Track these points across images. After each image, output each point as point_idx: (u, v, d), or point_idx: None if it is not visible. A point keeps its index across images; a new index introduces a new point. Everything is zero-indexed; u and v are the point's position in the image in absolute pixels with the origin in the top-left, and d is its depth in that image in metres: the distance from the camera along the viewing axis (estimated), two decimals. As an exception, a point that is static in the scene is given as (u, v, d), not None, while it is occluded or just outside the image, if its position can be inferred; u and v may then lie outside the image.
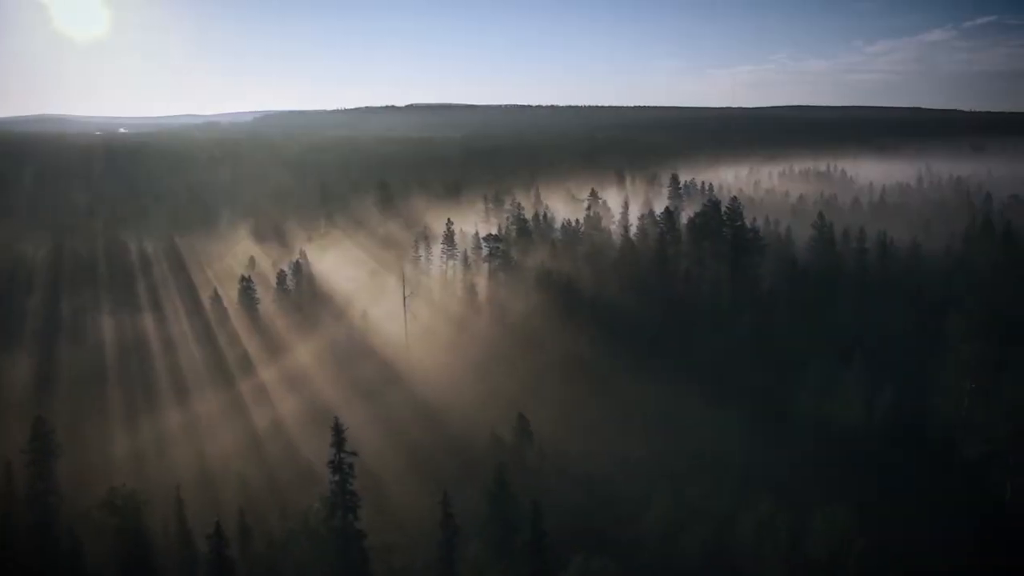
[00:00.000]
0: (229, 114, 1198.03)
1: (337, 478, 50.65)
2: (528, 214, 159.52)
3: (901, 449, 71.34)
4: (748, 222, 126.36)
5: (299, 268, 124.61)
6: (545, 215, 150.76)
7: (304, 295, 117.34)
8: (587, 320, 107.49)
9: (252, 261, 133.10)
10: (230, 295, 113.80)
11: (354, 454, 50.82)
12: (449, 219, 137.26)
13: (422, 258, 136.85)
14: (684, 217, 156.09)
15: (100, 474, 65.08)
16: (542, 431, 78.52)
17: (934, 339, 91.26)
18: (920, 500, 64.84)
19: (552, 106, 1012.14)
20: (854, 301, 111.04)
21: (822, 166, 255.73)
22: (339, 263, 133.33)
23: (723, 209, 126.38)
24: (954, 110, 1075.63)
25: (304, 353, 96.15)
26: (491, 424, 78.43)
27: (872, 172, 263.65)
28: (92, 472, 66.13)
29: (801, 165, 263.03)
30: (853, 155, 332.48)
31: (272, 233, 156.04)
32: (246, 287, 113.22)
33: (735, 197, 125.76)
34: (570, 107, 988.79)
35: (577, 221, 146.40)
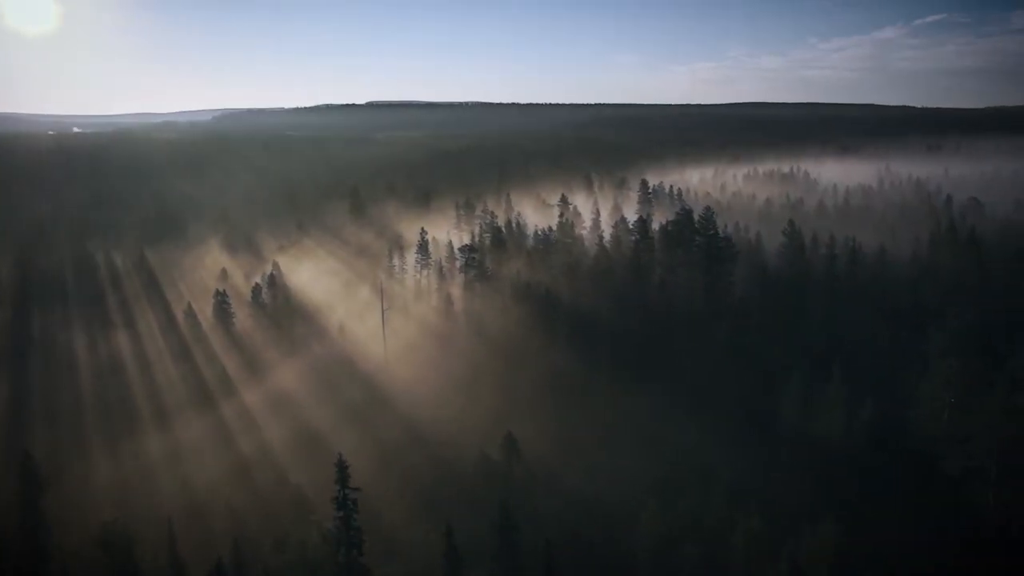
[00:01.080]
0: (186, 112, 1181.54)
1: (342, 514, 50.45)
2: (500, 220, 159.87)
3: (883, 462, 72.75)
4: (719, 228, 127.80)
5: (273, 281, 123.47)
6: (518, 223, 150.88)
7: (280, 309, 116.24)
8: (566, 331, 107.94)
9: (224, 273, 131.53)
10: (204, 310, 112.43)
11: (357, 490, 50.67)
12: (423, 229, 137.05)
13: (396, 267, 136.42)
14: (655, 223, 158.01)
15: (86, 507, 64.00)
16: (528, 446, 78.88)
17: (908, 348, 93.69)
18: (903, 513, 66.27)
19: (514, 103, 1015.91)
20: (826, 309, 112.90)
21: (786, 167, 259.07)
22: (313, 274, 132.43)
23: (696, 217, 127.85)
24: (907, 107, 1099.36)
25: (285, 372, 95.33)
26: (479, 442, 78.76)
27: (834, 172, 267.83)
28: (78, 505, 65.01)
29: (765, 167, 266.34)
30: (815, 155, 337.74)
31: (242, 242, 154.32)
32: (221, 302, 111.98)
33: (708, 207, 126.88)
34: (532, 104, 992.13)
35: (550, 228, 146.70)
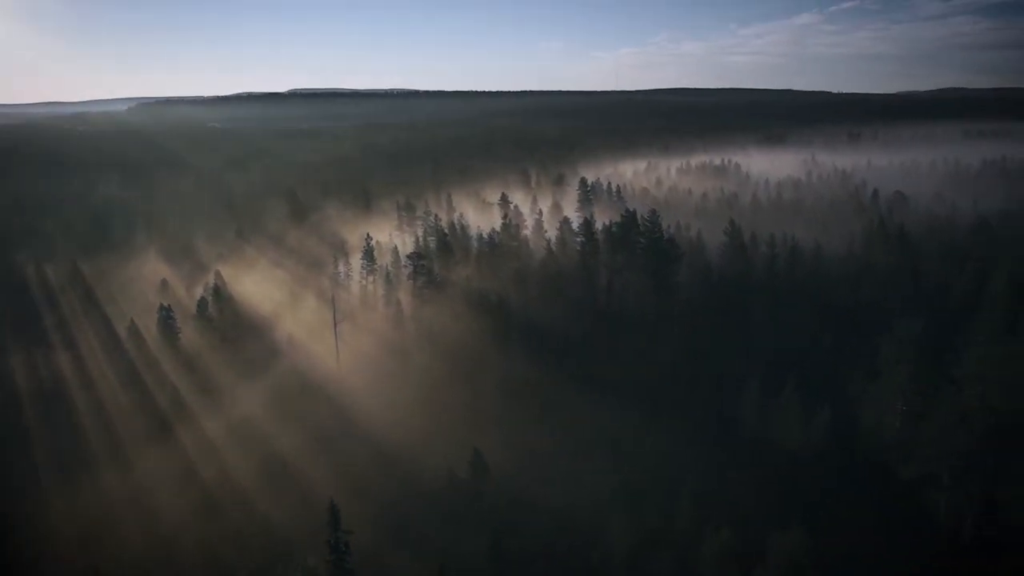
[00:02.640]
0: (98, 102, 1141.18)
1: (334, 557, 50.06)
2: (442, 222, 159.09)
3: (840, 468, 75.40)
4: (662, 228, 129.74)
5: (218, 292, 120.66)
6: (462, 226, 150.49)
7: (228, 323, 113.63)
8: (520, 339, 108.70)
9: (165, 284, 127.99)
10: (148, 326, 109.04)
11: (350, 532, 50.31)
12: (368, 234, 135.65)
13: (342, 274, 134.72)
14: (598, 222, 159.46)
15: (46, 556, 61.80)
16: (492, 459, 79.17)
17: (855, 351, 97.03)
18: (863, 519, 68.94)
19: (440, 91, 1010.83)
20: (770, 310, 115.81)
21: (717, 160, 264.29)
22: (257, 283, 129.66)
23: (640, 219, 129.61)
24: (826, 92, 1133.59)
25: (240, 393, 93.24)
26: (445, 458, 78.90)
27: (762, 164, 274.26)
28: (36, 554, 62.68)
29: (698, 159, 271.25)
30: (742, 144, 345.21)
31: (180, 250, 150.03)
32: (166, 317, 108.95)
33: (654, 210, 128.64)
34: (458, 92, 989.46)
35: (494, 230, 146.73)
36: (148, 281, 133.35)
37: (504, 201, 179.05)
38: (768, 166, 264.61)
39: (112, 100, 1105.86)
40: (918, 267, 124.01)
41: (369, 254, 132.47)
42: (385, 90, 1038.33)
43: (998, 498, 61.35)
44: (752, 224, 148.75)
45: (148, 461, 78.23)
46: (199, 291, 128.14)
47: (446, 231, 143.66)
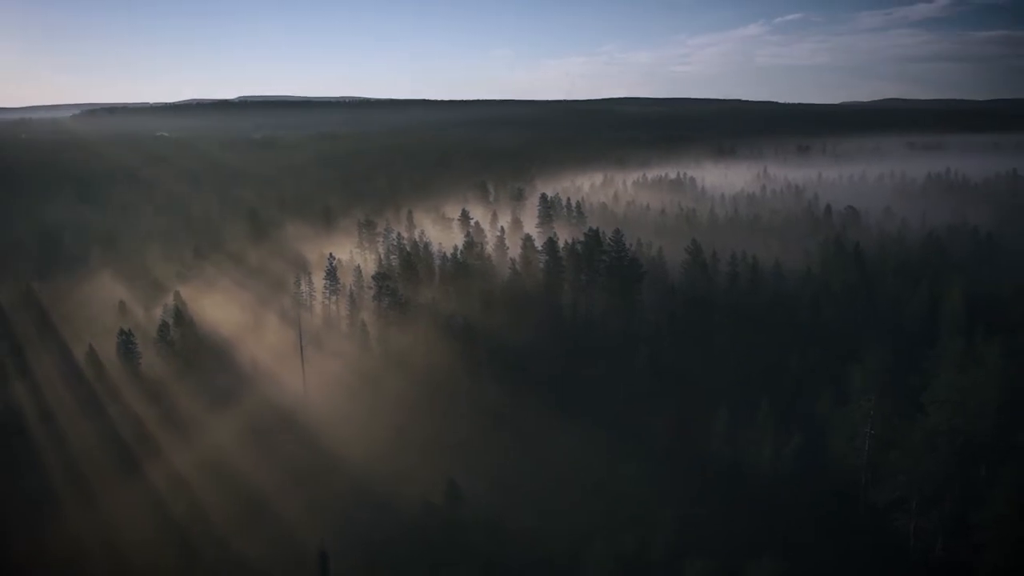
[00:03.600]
0: (41, 108, 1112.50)
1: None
2: (403, 238, 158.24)
3: (811, 494, 76.74)
4: (624, 245, 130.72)
5: (180, 315, 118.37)
6: (426, 244, 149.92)
7: (190, 348, 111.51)
8: (489, 363, 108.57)
9: (123, 307, 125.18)
10: (107, 351, 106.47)
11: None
12: (331, 254, 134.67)
13: (304, 294, 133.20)
14: (560, 238, 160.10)
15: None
16: (466, 487, 79.00)
17: (821, 374, 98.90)
18: (835, 545, 70.35)
19: (391, 100, 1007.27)
20: (735, 331, 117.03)
21: (673, 173, 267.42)
22: (218, 305, 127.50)
23: (605, 239, 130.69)
24: (772, 102, 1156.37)
25: (207, 422, 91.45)
26: (419, 487, 78.63)
27: (716, 177, 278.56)
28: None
29: (653, 172, 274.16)
30: (695, 156, 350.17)
31: (137, 270, 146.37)
32: (126, 342, 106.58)
33: (618, 229, 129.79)
34: (410, 101, 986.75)
35: (456, 249, 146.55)
36: (104, 303, 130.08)
37: (465, 218, 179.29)
38: (722, 180, 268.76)
39: (56, 107, 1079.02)
40: (874, 286, 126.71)
41: (332, 274, 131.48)
42: (337, 98, 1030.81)
43: (967, 522, 62.94)
44: (712, 241, 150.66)
45: (115, 497, 76.27)
46: (158, 313, 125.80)
47: (409, 250, 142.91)
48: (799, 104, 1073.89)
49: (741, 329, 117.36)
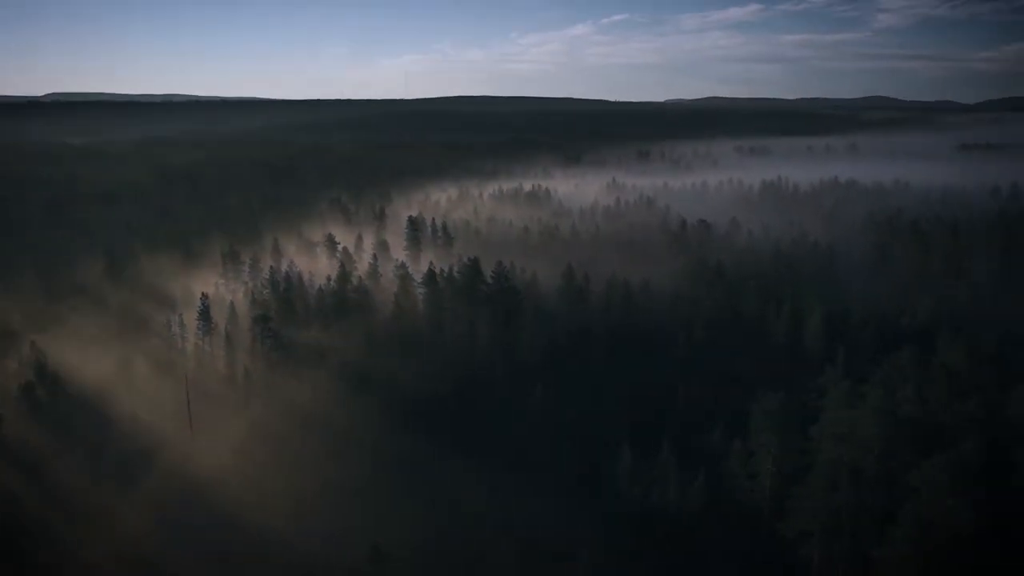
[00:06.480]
0: None
1: None
2: (273, 268, 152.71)
3: (721, 529, 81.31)
4: (487, 263, 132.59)
5: (42, 370, 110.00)
6: (299, 277, 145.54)
7: (60, 408, 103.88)
8: (383, 406, 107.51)
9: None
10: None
11: None
12: (203, 293, 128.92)
13: (176, 336, 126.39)
14: (427, 261, 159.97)
15: None
16: (381, 540, 78.56)
17: (711, 405, 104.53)
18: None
19: (223, 99, 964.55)
20: (616, 359, 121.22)
21: (528, 185, 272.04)
22: (83, 354, 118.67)
23: (488, 271, 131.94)
24: (603, 100, 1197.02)
25: (89, 493, 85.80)
26: (336, 548, 77.87)
27: (568, 187, 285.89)
28: None
29: (507, 184, 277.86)
30: (543, 164, 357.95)
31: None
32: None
33: (500, 261, 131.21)
34: (244, 100, 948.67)
35: (329, 280, 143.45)
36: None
37: (331, 243, 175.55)
38: (575, 190, 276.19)
39: None
40: (739, 307, 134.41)
41: (205, 313, 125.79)
42: (162, 96, 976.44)
43: (868, 554, 68.72)
44: (580, 260, 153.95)
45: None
46: (14, 366, 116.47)
47: (284, 286, 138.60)
48: (629, 102, 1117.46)
49: (623, 359, 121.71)
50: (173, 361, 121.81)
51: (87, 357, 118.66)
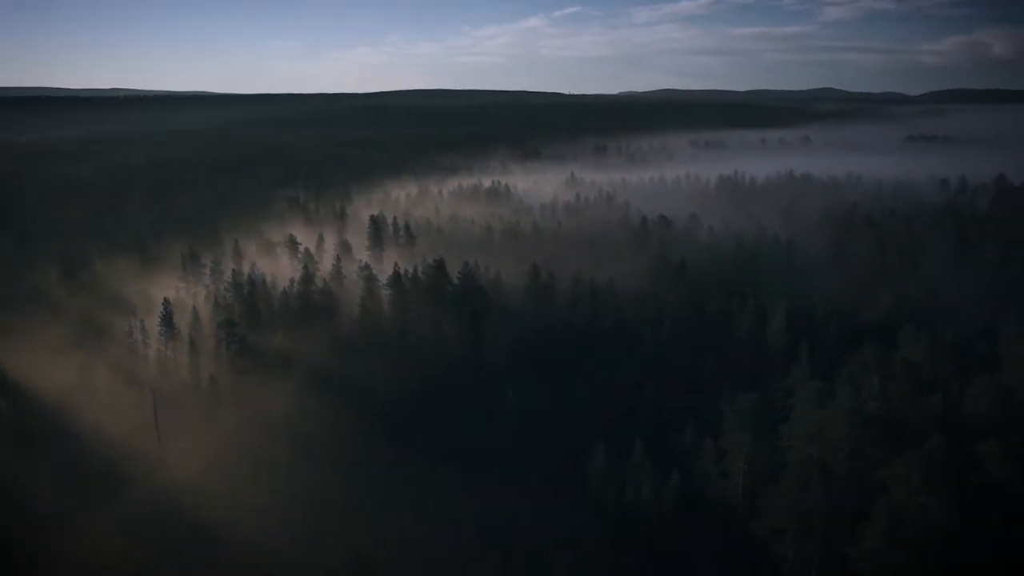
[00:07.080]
0: None
1: None
2: (230, 270, 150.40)
3: (696, 527, 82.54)
4: (450, 262, 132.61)
5: (3, 383, 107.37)
6: (262, 279, 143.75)
7: (28, 417, 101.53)
8: (350, 408, 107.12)
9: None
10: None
11: None
12: (165, 298, 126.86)
13: (138, 342, 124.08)
14: (388, 259, 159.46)
15: None
16: (360, 546, 78.49)
17: (676, 402, 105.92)
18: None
19: (168, 94, 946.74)
20: (584, 359, 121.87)
21: (487, 181, 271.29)
22: (42, 364, 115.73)
23: (456, 274, 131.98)
24: (558, 93, 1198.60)
25: (63, 510, 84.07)
26: (304, 553, 77.81)
27: (527, 183, 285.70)
28: None
29: (467, 181, 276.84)
30: (501, 159, 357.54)
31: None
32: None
33: (467, 262, 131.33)
34: (190, 95, 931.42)
35: (292, 282, 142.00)
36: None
37: (292, 243, 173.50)
38: (534, 186, 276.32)
39: None
40: (703, 305, 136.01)
41: (167, 319, 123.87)
42: (103, 92, 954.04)
43: (843, 552, 70.35)
44: (543, 258, 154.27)
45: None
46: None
47: (247, 289, 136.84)
48: (583, 95, 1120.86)
49: (590, 357, 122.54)
50: (136, 369, 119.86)
51: (47, 367, 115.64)
